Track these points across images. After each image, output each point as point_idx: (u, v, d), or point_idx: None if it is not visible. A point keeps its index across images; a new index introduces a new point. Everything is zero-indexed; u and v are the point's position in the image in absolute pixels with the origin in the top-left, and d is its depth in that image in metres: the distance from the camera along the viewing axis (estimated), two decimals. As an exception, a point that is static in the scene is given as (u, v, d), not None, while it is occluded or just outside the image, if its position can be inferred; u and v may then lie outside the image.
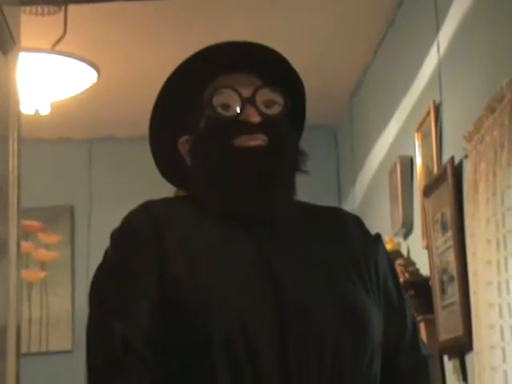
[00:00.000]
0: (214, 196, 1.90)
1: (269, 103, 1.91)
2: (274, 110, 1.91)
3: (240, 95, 1.88)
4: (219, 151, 1.89)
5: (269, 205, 1.90)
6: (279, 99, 1.92)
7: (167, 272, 1.80)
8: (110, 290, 1.87)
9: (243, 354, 1.73)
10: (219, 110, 1.89)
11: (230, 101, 1.89)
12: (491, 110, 3.13)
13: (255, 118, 1.87)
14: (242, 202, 1.88)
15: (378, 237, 2.06)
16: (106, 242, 1.98)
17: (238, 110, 1.88)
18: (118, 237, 1.90)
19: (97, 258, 2.00)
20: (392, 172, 4.62)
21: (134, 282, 1.83)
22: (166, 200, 2.03)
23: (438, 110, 3.88)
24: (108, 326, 1.81)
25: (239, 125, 1.88)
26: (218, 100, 1.89)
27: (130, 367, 1.77)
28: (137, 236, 1.87)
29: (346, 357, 1.81)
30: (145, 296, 1.81)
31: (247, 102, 1.88)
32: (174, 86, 2.00)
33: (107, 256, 1.90)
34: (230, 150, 1.87)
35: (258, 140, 1.86)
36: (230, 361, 1.73)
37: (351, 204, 5.69)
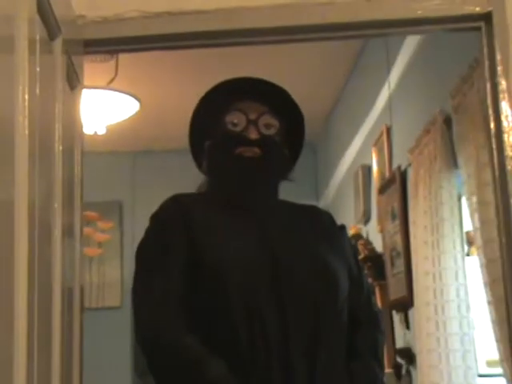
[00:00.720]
0: (219, 190, 2.15)
1: (268, 126, 2.12)
2: (271, 132, 2.12)
3: (247, 117, 2.10)
4: (223, 157, 2.12)
5: (253, 198, 2.12)
6: (276, 123, 2.13)
7: (192, 243, 2.01)
8: (149, 256, 2.07)
9: (249, 292, 1.95)
10: (229, 126, 2.11)
11: (239, 120, 2.11)
12: (427, 131, 3.37)
13: (254, 136, 2.09)
14: (235, 195, 2.11)
15: (343, 226, 2.29)
16: (145, 227, 2.15)
17: (243, 128, 2.10)
18: (154, 218, 2.11)
19: (139, 239, 2.15)
20: (356, 176, 4.87)
21: (167, 249, 2.03)
22: (190, 193, 2.22)
23: (389, 131, 4.13)
24: (148, 282, 2.01)
25: (241, 139, 2.09)
26: (229, 119, 2.11)
27: (166, 314, 1.96)
28: (169, 216, 2.08)
29: (323, 300, 2.02)
30: (175, 259, 2.01)
31: (251, 123, 2.10)
32: (202, 107, 2.22)
33: (147, 232, 2.10)
34: (231, 156, 2.09)
35: (251, 152, 2.08)
36: (240, 297, 1.94)
37: (326, 200, 5.97)
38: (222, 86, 2.22)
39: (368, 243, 4.37)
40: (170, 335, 1.97)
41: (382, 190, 4.15)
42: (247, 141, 2.10)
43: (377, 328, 2.24)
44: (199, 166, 2.25)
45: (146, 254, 2.10)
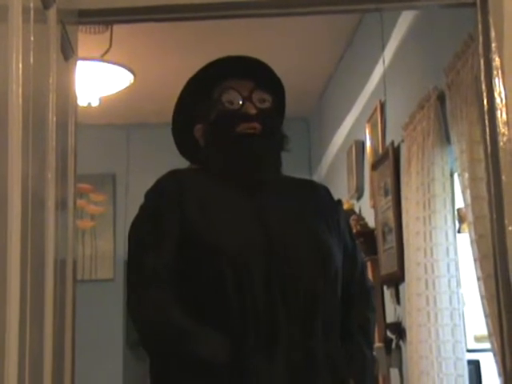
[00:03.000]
0: (221, 166, 2.13)
1: (261, 100, 2.14)
2: (266, 105, 2.15)
3: (241, 94, 2.12)
4: (225, 136, 2.12)
5: (259, 173, 2.13)
6: (269, 98, 2.16)
7: (186, 218, 2.02)
8: (142, 231, 2.08)
9: (242, 265, 1.97)
10: (226, 104, 2.13)
11: (234, 98, 2.13)
12: (421, 107, 3.36)
13: (252, 111, 2.11)
14: (240, 170, 2.11)
15: (340, 202, 2.33)
16: (138, 200, 2.17)
17: (239, 105, 2.12)
18: (150, 194, 2.12)
19: (132, 212, 2.17)
20: (349, 152, 4.87)
21: (160, 226, 2.04)
22: (186, 169, 2.24)
23: (382, 107, 4.12)
24: (140, 256, 2.02)
25: (241, 115, 2.11)
26: (225, 97, 2.13)
27: (156, 286, 1.98)
28: (164, 193, 2.09)
29: (317, 275, 2.03)
30: (168, 236, 2.02)
31: (246, 99, 2.12)
32: (191, 88, 2.23)
33: (141, 208, 2.12)
34: (232, 135, 2.10)
35: (252, 128, 2.10)
36: (233, 271, 1.96)
37: (319, 176, 5.95)
38: (211, 65, 2.22)
39: (360, 218, 4.39)
40: (160, 311, 1.99)
41: (375, 165, 4.16)
42: (247, 116, 2.12)
43: (369, 305, 2.26)
44: (182, 151, 2.28)
45: (139, 230, 2.11)
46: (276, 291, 1.99)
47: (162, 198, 2.10)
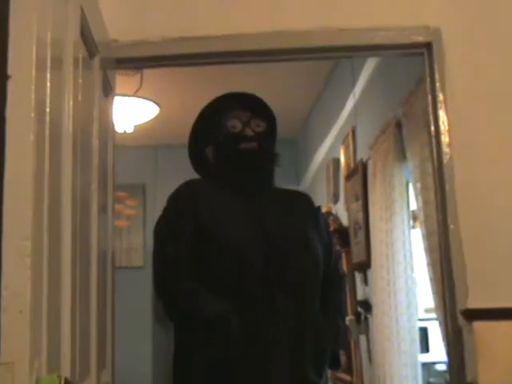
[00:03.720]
0: (227, 176, 2.14)
1: (257, 126, 2.17)
2: (261, 129, 2.17)
3: (241, 121, 2.15)
4: (231, 152, 2.14)
5: (259, 184, 2.14)
6: (263, 124, 2.18)
7: (199, 218, 2.03)
8: (164, 228, 2.09)
9: (245, 255, 1.98)
10: (230, 129, 2.15)
11: (236, 124, 2.15)
12: (383, 131, 3.37)
13: (250, 133, 2.14)
14: (243, 182, 2.13)
15: (319, 208, 2.34)
16: (163, 205, 2.16)
17: (241, 129, 2.15)
18: (171, 198, 2.13)
19: (158, 214, 2.17)
20: (327, 167, 4.85)
21: (178, 224, 2.05)
22: (200, 179, 2.24)
23: (354, 131, 4.12)
24: (163, 247, 2.04)
25: (242, 136, 2.14)
26: (229, 124, 2.16)
27: (175, 270, 1.99)
28: (181, 198, 2.11)
29: (306, 266, 2.05)
30: (185, 232, 2.02)
31: (245, 124, 2.15)
32: (203, 117, 2.26)
33: (164, 211, 2.12)
34: (237, 151, 2.13)
35: (251, 146, 2.12)
36: (237, 258, 1.97)
37: (304, 185, 5.91)
38: (217, 100, 2.25)
39: (337, 219, 4.38)
40: (178, 284, 2.00)
41: (348, 177, 4.17)
42: (246, 137, 2.13)
43: (341, 288, 2.30)
44: (196, 168, 2.28)
45: (162, 227, 2.12)
46: (273, 274, 1.99)
47: (180, 202, 2.10)
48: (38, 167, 1.24)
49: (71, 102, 1.54)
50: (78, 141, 1.62)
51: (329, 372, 3.91)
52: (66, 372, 1.32)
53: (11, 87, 1.22)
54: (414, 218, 3.49)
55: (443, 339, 2.49)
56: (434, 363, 3.83)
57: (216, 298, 1.93)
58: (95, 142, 1.92)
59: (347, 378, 4.14)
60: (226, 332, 1.89)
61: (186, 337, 2.01)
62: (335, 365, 2.15)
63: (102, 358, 1.88)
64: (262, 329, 1.94)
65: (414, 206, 3.11)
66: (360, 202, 3.83)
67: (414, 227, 3.49)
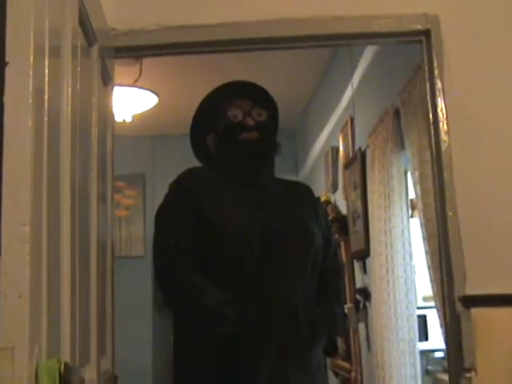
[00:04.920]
0: (228, 166, 2.15)
1: (259, 115, 2.17)
2: (262, 119, 2.17)
3: (242, 110, 2.15)
4: (232, 142, 2.15)
5: (259, 173, 2.15)
6: (264, 113, 2.19)
7: (200, 206, 2.04)
8: (165, 215, 2.10)
9: (244, 241, 2.00)
10: (231, 118, 2.16)
11: (237, 113, 2.16)
12: (382, 120, 3.37)
13: (251, 123, 2.14)
14: (244, 171, 2.14)
15: (318, 198, 2.40)
16: (162, 194, 2.17)
17: (242, 118, 2.16)
18: (172, 186, 2.15)
19: (157, 203, 2.19)
20: (326, 156, 4.87)
21: (180, 211, 2.06)
22: (201, 167, 2.25)
23: (352, 120, 4.11)
24: (164, 236, 2.04)
25: (243, 126, 2.14)
26: (230, 113, 2.16)
27: (176, 257, 1.99)
28: (183, 186, 2.12)
29: (300, 251, 2.06)
30: (186, 219, 2.03)
31: (247, 114, 2.15)
32: (204, 107, 2.26)
33: (165, 197, 2.13)
34: (238, 141, 2.13)
35: (252, 136, 2.12)
36: (237, 246, 1.99)
37: (303, 174, 5.93)
38: (219, 89, 2.25)
39: (335, 207, 4.39)
40: (178, 273, 2.00)
41: (347, 166, 4.15)
42: (247, 127, 2.13)
43: (340, 276, 2.32)
44: (197, 156, 2.28)
45: (163, 214, 2.13)
46: (272, 261, 2.01)
47: (182, 189, 2.11)
48: (37, 153, 1.23)
49: (70, 90, 1.53)
50: (77, 129, 1.61)
51: (328, 360, 3.91)
52: (65, 358, 1.32)
53: (9, 74, 1.22)
54: (413, 207, 3.46)
55: (441, 326, 2.49)
56: (432, 351, 3.83)
57: (215, 288, 1.94)
58: (94, 131, 1.91)
59: (346, 365, 4.15)
60: (224, 322, 1.90)
61: (186, 324, 2.02)
62: (332, 352, 2.17)
63: (102, 345, 1.88)
64: (261, 315, 1.95)
65: (412, 194, 3.10)
66: (358, 191, 3.82)
67: (412, 216, 3.45)
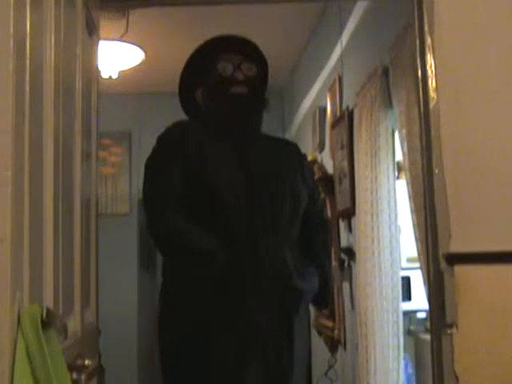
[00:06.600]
0: (216, 119, 2.17)
1: (249, 69, 2.18)
2: (252, 73, 2.18)
3: (233, 64, 2.16)
4: (221, 95, 2.16)
5: (247, 127, 2.16)
6: (254, 68, 2.20)
7: (187, 159, 2.07)
8: (155, 168, 2.11)
9: (230, 193, 2.03)
10: (221, 72, 2.16)
11: (227, 67, 2.17)
12: (370, 78, 3.35)
13: (241, 77, 2.15)
14: (232, 125, 2.16)
15: (305, 155, 2.37)
16: (149, 151, 2.17)
17: (231, 72, 2.17)
18: (159, 139, 2.16)
19: (143, 161, 2.18)
20: (314, 115, 4.85)
21: (168, 163, 2.08)
22: (189, 121, 2.25)
23: (340, 79, 4.10)
24: (154, 187, 2.07)
25: (232, 80, 2.15)
26: (220, 67, 2.17)
27: (167, 208, 2.03)
28: (170, 139, 2.14)
29: (288, 207, 2.09)
30: (174, 171, 2.05)
31: (236, 68, 2.16)
32: (193, 60, 2.25)
33: (154, 150, 2.15)
34: (227, 95, 2.15)
35: (242, 89, 2.14)
36: (223, 199, 2.02)
37: (291, 133, 5.92)
38: (209, 42, 2.24)
39: (322, 167, 4.38)
40: (169, 222, 2.04)
41: (334, 125, 4.14)
42: (237, 81, 2.15)
43: (327, 231, 2.36)
44: (185, 110, 2.28)
45: (152, 166, 2.14)
46: (257, 213, 2.04)
47: (169, 142, 2.13)
48: (18, 100, 1.21)
49: (53, 39, 1.50)
50: (61, 79, 1.58)
51: (312, 319, 3.95)
52: (48, 305, 1.32)
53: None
54: (399, 168, 3.46)
55: (424, 284, 2.51)
56: (415, 311, 3.87)
57: (204, 233, 1.97)
58: (79, 82, 1.88)
59: (329, 324, 4.20)
60: (212, 266, 1.93)
61: (174, 271, 2.06)
62: (323, 303, 2.25)
63: (85, 297, 1.88)
64: (247, 263, 1.98)
65: (399, 157, 3.09)
66: (345, 150, 3.81)
67: (398, 178, 3.46)
